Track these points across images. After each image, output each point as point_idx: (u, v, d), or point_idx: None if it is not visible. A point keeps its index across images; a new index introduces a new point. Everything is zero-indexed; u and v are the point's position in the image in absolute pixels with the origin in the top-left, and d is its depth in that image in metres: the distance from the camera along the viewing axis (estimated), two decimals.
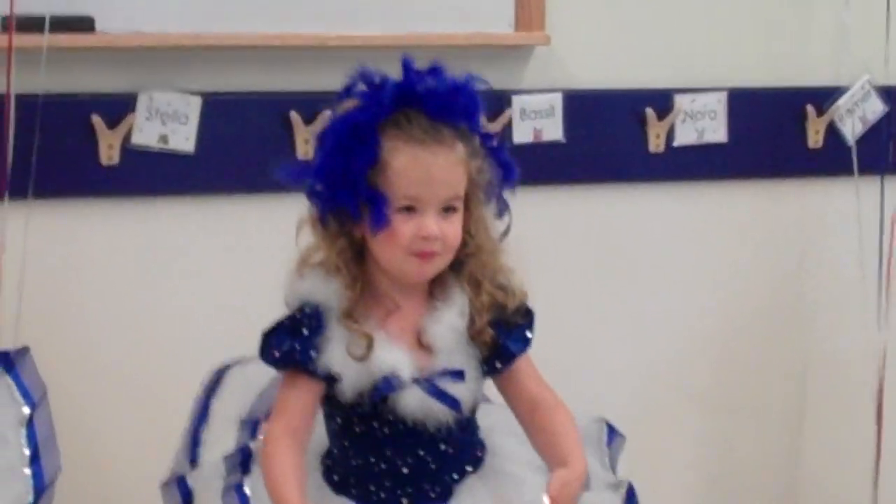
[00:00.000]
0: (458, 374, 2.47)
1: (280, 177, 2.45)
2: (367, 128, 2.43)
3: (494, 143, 2.55)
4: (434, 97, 2.46)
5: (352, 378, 2.44)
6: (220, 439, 2.73)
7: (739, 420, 4.12)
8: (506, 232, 2.57)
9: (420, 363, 2.46)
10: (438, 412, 2.45)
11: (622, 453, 2.79)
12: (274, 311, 2.57)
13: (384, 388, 2.43)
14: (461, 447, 2.55)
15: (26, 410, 2.68)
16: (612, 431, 2.80)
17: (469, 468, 2.57)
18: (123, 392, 3.49)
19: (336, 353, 2.44)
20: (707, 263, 4.03)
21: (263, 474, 2.50)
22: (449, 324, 2.47)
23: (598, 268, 3.94)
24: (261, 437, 2.66)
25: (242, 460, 2.65)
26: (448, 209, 2.44)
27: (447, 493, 2.53)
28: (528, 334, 2.55)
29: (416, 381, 2.45)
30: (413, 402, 2.44)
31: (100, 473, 3.50)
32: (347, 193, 2.43)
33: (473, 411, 2.56)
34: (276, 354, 2.46)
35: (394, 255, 2.44)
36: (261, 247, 3.55)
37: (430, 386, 2.45)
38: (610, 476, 2.70)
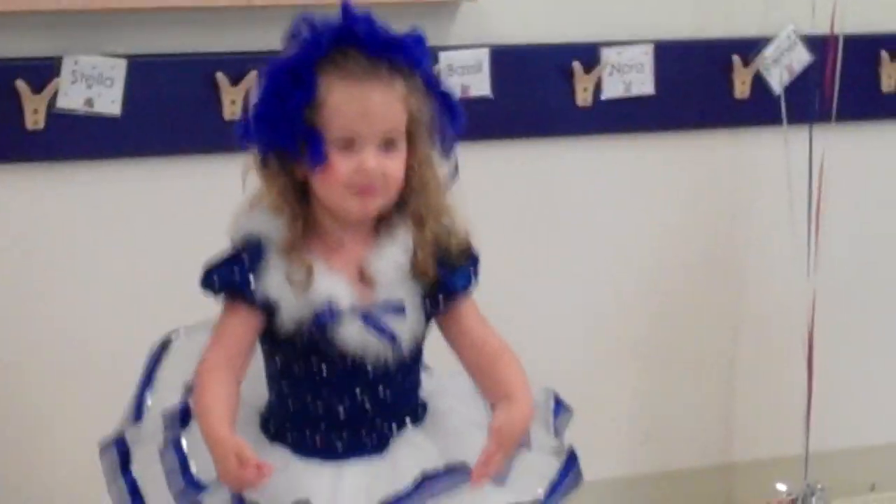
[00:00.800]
0: (399, 308, 2.49)
1: (236, 133, 2.49)
2: (303, 66, 2.46)
3: (441, 85, 2.56)
4: (372, 35, 2.47)
5: (290, 307, 2.45)
6: (165, 404, 2.69)
7: (674, 368, 4.17)
8: (454, 174, 2.60)
9: (361, 297, 2.47)
10: (376, 346, 2.47)
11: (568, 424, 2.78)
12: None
13: (322, 318, 2.44)
14: (400, 394, 2.57)
15: None
16: (559, 403, 2.76)
17: (408, 421, 2.58)
18: (53, 357, 3.46)
19: (274, 280, 2.46)
20: (638, 215, 4.04)
21: (194, 402, 2.51)
22: (391, 258, 2.48)
23: (529, 222, 3.96)
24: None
25: (182, 416, 2.62)
26: (388, 145, 2.45)
27: (384, 443, 2.53)
28: (473, 275, 2.57)
29: (356, 312, 2.46)
30: (351, 334, 2.45)
31: (42, 449, 3.48)
32: (285, 132, 2.46)
33: (414, 354, 2.57)
34: (215, 281, 2.46)
35: (335, 192, 2.46)
36: (190, 208, 3.59)
37: (369, 318, 2.46)
38: (553, 441, 2.68)
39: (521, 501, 2.50)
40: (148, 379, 2.74)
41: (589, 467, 3.29)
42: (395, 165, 2.46)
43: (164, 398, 2.70)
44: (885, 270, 4.29)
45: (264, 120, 2.49)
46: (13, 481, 3.44)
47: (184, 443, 2.58)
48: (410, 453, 2.53)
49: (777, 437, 4.11)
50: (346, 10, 2.47)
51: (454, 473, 2.47)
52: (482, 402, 2.66)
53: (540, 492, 2.54)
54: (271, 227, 2.50)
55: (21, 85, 3.41)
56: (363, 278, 2.49)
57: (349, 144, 2.44)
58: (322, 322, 2.46)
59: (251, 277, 2.46)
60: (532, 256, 3.97)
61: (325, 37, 2.47)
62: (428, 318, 2.57)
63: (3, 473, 3.44)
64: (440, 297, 2.54)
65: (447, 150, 2.59)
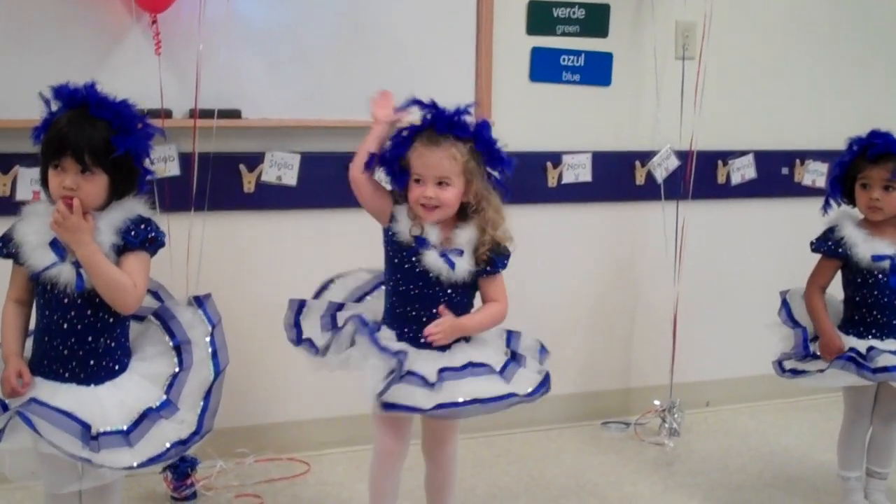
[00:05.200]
0: (460, 252, 2.66)
1: (366, 165, 2.68)
2: (403, 138, 2.67)
3: (492, 149, 2.69)
4: (436, 120, 2.64)
5: (401, 226, 2.66)
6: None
7: (599, 335, 4.20)
8: (503, 199, 2.73)
9: (443, 246, 2.66)
10: (443, 269, 2.64)
11: (548, 360, 2.85)
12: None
13: (418, 242, 2.65)
14: (459, 314, 2.70)
15: (209, 328, 2.65)
16: (542, 348, 2.85)
17: (461, 340, 2.71)
18: (257, 322, 3.48)
19: (402, 217, 2.67)
20: (581, 249, 4.10)
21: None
22: (465, 235, 2.67)
23: (520, 252, 3.58)
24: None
25: (339, 307, 2.81)
26: (441, 182, 2.63)
27: (448, 346, 2.68)
28: (504, 264, 2.73)
29: (437, 248, 2.65)
30: (431, 258, 2.64)
31: (248, 367, 3.55)
32: (390, 168, 2.68)
33: (464, 290, 2.68)
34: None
35: (414, 205, 2.66)
36: (338, 240, 3.61)
37: (442, 252, 2.65)
38: (538, 367, 2.79)
39: (515, 392, 2.64)
40: (321, 289, 2.92)
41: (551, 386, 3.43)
42: (445, 195, 2.63)
43: (329, 297, 2.88)
44: (716, 281, 4.29)
45: (383, 160, 2.69)
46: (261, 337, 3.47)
47: (337, 315, 2.77)
48: (461, 353, 2.67)
49: (655, 373, 4.13)
50: (434, 105, 2.66)
51: (484, 366, 2.64)
52: (502, 344, 2.79)
53: (529, 390, 2.68)
54: (406, 214, 2.68)
55: (242, 167, 3.54)
56: (445, 242, 2.66)
57: (419, 180, 2.65)
58: (417, 243, 2.64)
59: (395, 208, 2.69)
60: (522, 267, 3.61)
61: (420, 124, 2.66)
62: (476, 274, 2.69)
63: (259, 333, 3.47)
64: (486, 269, 2.69)
65: (500, 186, 2.75)
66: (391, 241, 2.72)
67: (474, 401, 2.57)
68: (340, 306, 2.84)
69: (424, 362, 2.61)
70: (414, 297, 2.69)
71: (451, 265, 2.65)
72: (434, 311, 2.68)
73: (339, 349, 2.67)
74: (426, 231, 2.67)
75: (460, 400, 2.56)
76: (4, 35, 3.25)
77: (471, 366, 2.63)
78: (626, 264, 4.21)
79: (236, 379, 3.03)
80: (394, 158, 2.69)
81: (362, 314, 2.70)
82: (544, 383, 2.75)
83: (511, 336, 2.83)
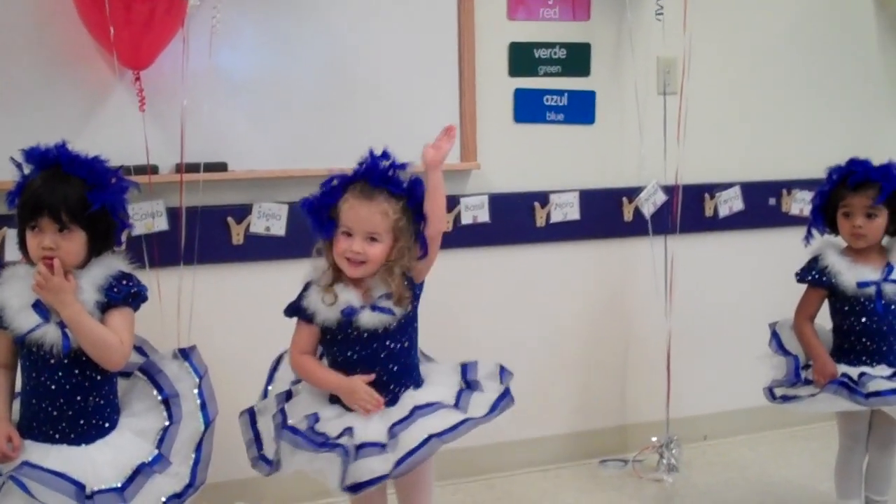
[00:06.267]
0: (388, 296, 2.59)
1: (302, 210, 2.65)
2: (334, 188, 2.62)
3: (418, 207, 2.62)
4: (371, 173, 2.59)
5: (322, 314, 2.60)
6: (279, 391, 2.78)
7: (591, 371, 4.17)
8: (423, 256, 2.65)
9: (366, 301, 2.59)
10: (384, 319, 2.58)
11: (512, 382, 2.78)
12: None
13: (347, 314, 2.58)
14: (404, 369, 2.66)
15: (196, 380, 2.66)
16: (503, 370, 2.79)
17: (411, 387, 2.66)
18: (251, 373, 3.19)
19: (313, 301, 2.62)
20: (571, 287, 4.08)
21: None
22: (377, 281, 2.60)
23: (511, 290, 3.98)
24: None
25: (287, 396, 2.73)
26: (371, 238, 2.57)
27: (396, 399, 2.62)
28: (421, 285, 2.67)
29: (365, 307, 2.58)
30: (366, 317, 2.58)
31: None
32: (318, 218, 2.62)
33: (400, 328, 2.61)
34: (289, 310, 2.66)
35: (338, 258, 2.60)
36: None
37: (373, 306, 2.59)
38: (499, 387, 2.72)
39: (472, 416, 2.58)
40: (270, 377, 2.84)
41: (541, 428, 3.36)
42: (373, 251, 2.57)
43: (278, 388, 2.79)
44: (708, 314, 4.26)
45: (312, 208, 2.63)
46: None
47: (286, 408, 2.68)
48: (410, 400, 2.60)
49: (650, 409, 4.10)
50: (371, 156, 2.61)
51: (431, 405, 2.57)
52: (457, 378, 2.75)
53: (485, 411, 2.61)
54: (318, 275, 2.65)
55: (230, 219, 3.52)
56: (367, 297, 2.59)
57: (348, 233, 2.57)
58: (347, 315, 2.57)
59: (304, 303, 2.62)
60: (513, 308, 3.97)
61: (352, 175, 2.60)
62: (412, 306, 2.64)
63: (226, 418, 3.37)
64: (414, 291, 2.64)
65: (421, 242, 2.65)
66: (322, 327, 2.67)
67: (429, 437, 2.51)
68: (289, 395, 2.76)
69: (375, 426, 2.57)
70: (356, 362, 2.64)
71: (390, 312, 2.60)
72: (377, 368, 2.63)
73: (289, 456, 2.59)
74: (343, 297, 2.61)
75: (415, 445, 2.50)
76: None
77: (417, 409, 2.57)
78: (616, 301, 4.18)
79: (231, 431, 2.96)
80: (322, 207, 2.64)
81: (290, 425, 2.62)
82: (502, 398, 2.68)
83: (466, 368, 2.78)
